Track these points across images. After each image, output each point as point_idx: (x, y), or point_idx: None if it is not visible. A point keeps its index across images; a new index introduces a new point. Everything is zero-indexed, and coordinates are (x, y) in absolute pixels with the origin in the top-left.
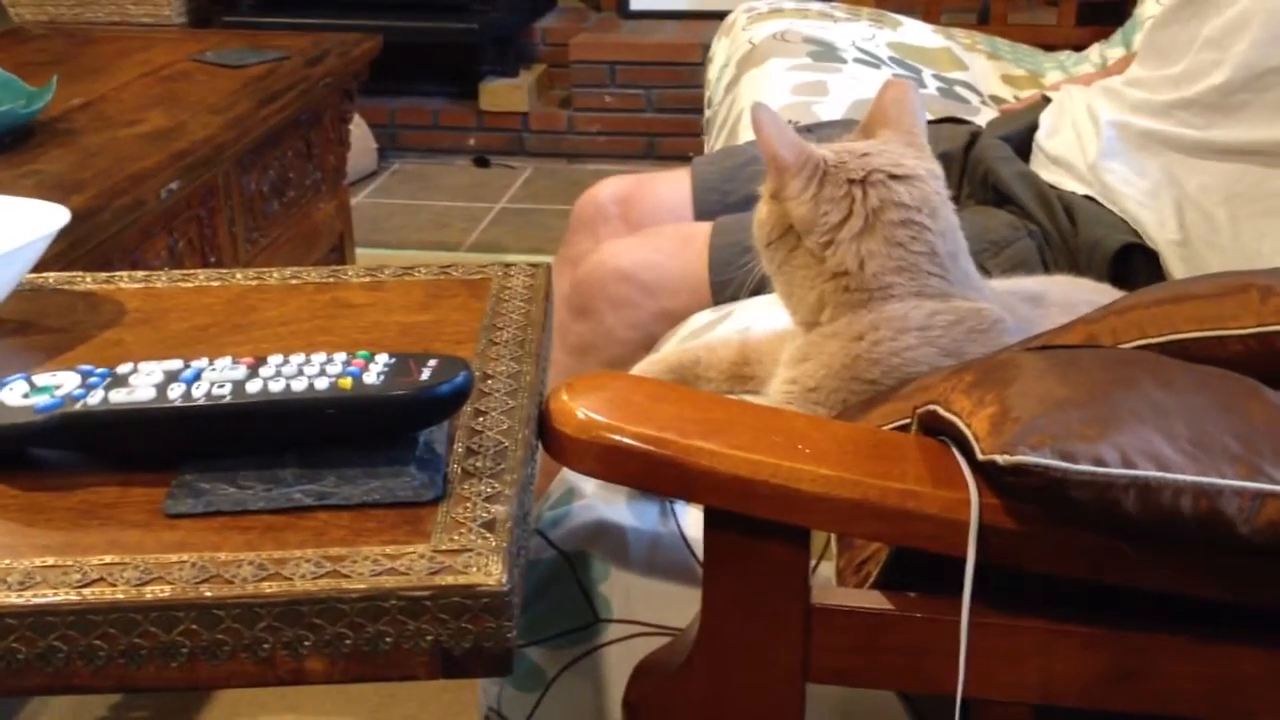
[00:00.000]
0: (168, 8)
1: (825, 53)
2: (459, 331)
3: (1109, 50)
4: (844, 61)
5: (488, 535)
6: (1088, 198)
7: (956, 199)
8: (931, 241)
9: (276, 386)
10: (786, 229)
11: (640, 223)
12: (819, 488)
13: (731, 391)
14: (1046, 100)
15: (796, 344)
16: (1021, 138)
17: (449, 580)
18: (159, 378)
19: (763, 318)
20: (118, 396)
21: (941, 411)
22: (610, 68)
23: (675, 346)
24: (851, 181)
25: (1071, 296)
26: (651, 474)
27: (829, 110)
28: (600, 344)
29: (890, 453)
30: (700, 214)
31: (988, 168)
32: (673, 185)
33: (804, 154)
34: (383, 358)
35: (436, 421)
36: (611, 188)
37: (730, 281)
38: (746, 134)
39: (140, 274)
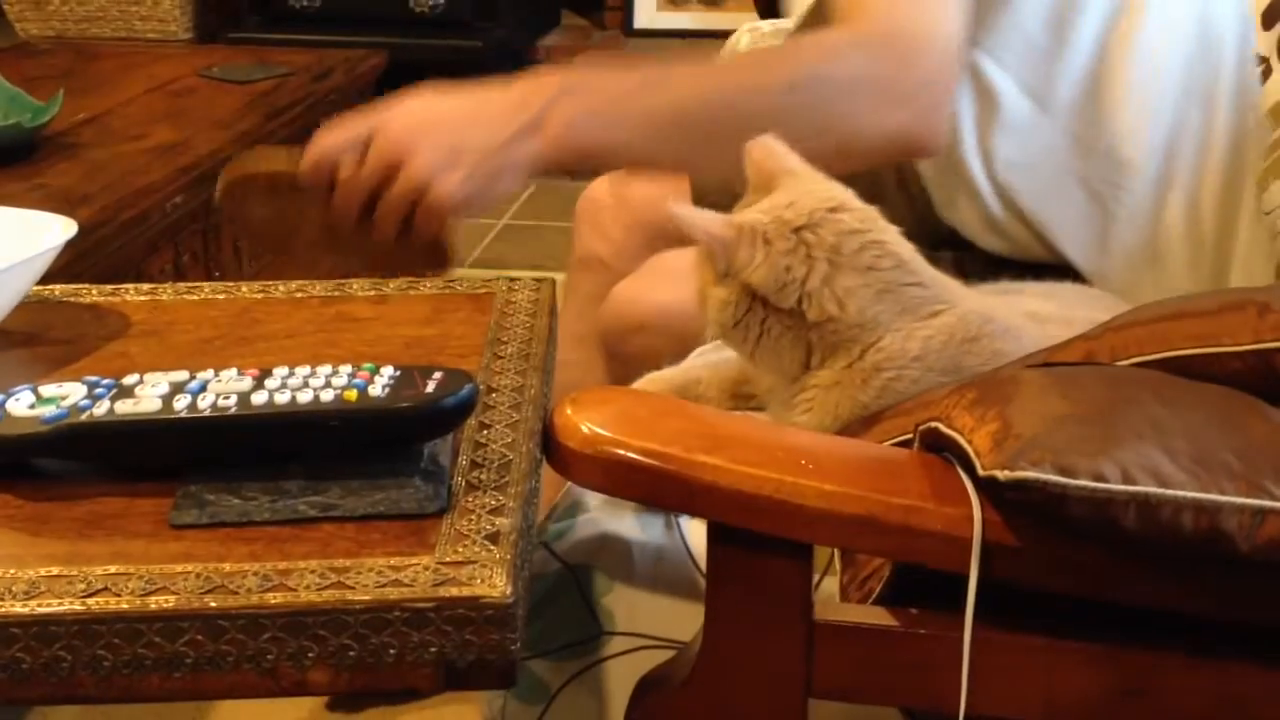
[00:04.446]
0: (174, 23)
1: None
2: (464, 345)
3: None
4: None
5: (492, 547)
6: None
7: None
8: (896, 253)
9: (282, 398)
10: (751, 300)
11: (638, 210)
12: (822, 503)
13: (734, 409)
14: None
15: (792, 391)
16: None
17: (453, 592)
18: (165, 389)
19: None
20: (123, 407)
21: (943, 428)
22: None
23: (679, 366)
24: (797, 230)
25: (1072, 313)
26: (655, 489)
27: None
28: (635, 379)
29: (893, 469)
30: (697, 196)
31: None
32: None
33: (736, 224)
34: (388, 370)
35: (441, 434)
36: (607, 179)
37: None
38: None
39: (146, 287)
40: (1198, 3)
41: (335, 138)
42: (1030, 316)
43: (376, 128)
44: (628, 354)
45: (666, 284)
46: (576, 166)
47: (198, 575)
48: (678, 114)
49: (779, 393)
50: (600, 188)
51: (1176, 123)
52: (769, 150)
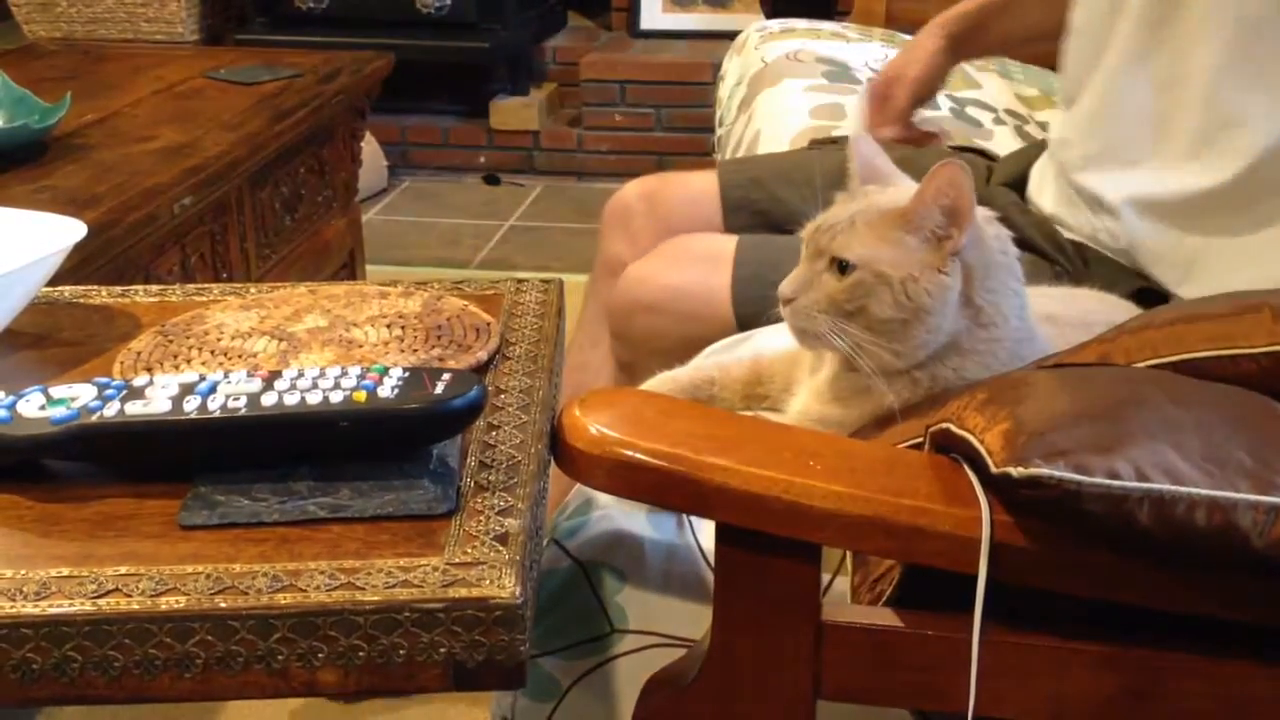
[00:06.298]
0: (181, 25)
1: (839, 73)
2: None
3: None
4: (858, 82)
5: (500, 548)
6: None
7: None
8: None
9: (291, 399)
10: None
11: (668, 218)
12: (830, 504)
13: (746, 410)
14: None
15: (830, 378)
16: (1019, 182)
17: (462, 593)
18: (174, 390)
19: (778, 342)
20: (133, 409)
21: (954, 429)
22: (620, 86)
23: (689, 366)
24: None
25: (1088, 316)
26: (664, 490)
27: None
28: (640, 362)
29: (902, 470)
30: (728, 211)
31: (1004, 215)
32: (699, 182)
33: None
34: (397, 372)
35: (450, 435)
36: (638, 185)
37: (753, 308)
38: (764, 150)
39: (155, 288)
40: None
41: None
42: (1049, 319)
43: None
44: (634, 335)
45: (679, 266)
46: None
47: (208, 576)
48: None
49: (810, 382)
50: (630, 192)
51: None
52: (874, 150)
